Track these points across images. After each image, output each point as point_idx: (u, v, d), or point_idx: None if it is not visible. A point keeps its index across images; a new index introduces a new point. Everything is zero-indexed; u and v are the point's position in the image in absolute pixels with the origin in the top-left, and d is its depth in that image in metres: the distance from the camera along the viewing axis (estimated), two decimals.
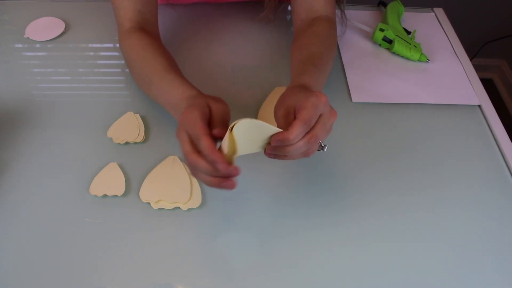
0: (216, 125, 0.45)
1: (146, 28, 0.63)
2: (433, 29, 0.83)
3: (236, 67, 0.73)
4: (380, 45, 0.77)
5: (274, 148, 0.44)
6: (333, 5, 0.68)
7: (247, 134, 0.43)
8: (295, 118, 0.43)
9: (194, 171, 0.44)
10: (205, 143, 0.41)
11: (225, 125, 0.45)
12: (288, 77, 0.50)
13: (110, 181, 0.55)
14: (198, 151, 0.43)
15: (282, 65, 0.73)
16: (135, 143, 0.60)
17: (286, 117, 0.45)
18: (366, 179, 0.58)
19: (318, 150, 0.47)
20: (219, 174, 0.42)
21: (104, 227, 0.52)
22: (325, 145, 0.47)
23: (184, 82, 0.54)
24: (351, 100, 0.68)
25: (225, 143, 0.42)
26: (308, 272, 0.49)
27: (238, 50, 0.76)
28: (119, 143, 0.60)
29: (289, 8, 0.85)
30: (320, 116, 0.43)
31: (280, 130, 0.42)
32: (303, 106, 0.43)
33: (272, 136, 0.43)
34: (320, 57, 0.58)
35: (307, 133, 0.43)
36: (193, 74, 0.70)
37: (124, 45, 0.62)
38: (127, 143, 0.60)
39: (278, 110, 0.47)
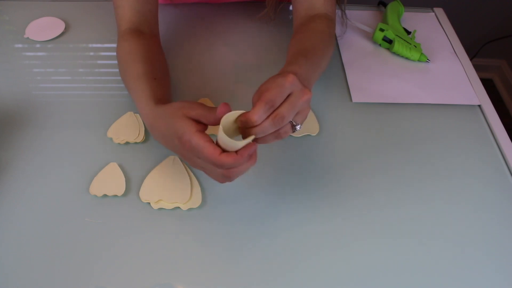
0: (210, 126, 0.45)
1: (144, 29, 0.63)
2: (433, 29, 0.83)
3: (238, 66, 0.73)
4: (380, 45, 0.77)
5: (242, 131, 0.44)
6: (333, 4, 0.68)
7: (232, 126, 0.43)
8: None
9: (231, 173, 0.44)
10: (224, 161, 0.42)
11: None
12: None
13: (110, 181, 0.55)
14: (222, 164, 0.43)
15: (282, 63, 0.73)
16: (135, 143, 0.60)
17: None
18: (366, 178, 0.58)
19: (293, 131, 0.46)
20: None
21: (104, 227, 0.52)
22: (296, 124, 0.46)
23: (146, 94, 0.53)
24: (351, 100, 0.68)
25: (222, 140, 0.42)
26: (308, 270, 0.49)
27: (240, 49, 0.76)
28: (119, 143, 0.60)
29: (290, 8, 0.85)
30: (289, 95, 0.43)
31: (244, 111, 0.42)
32: (268, 87, 0.42)
33: (236, 118, 0.43)
34: (313, 50, 0.57)
35: (272, 113, 0.42)
36: (195, 73, 0.71)
37: (117, 47, 0.62)
38: (127, 143, 0.60)
39: (253, 97, 0.46)
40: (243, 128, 0.43)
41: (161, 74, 0.59)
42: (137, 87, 0.55)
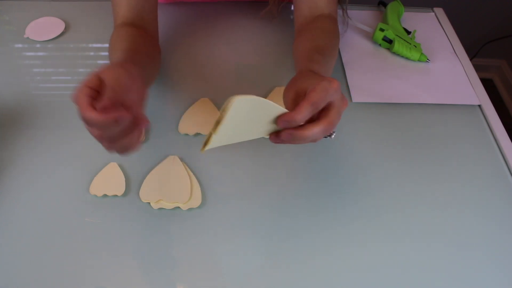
0: (103, 99, 0.39)
1: (138, 24, 0.62)
2: (433, 29, 0.83)
3: (239, 65, 0.73)
4: (380, 45, 0.77)
5: (287, 134, 0.42)
6: (335, 3, 0.68)
7: (249, 116, 0.40)
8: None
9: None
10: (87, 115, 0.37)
11: (114, 100, 0.40)
12: (289, 75, 0.50)
13: (110, 181, 0.56)
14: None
15: (284, 63, 0.73)
16: None
17: (295, 100, 0.44)
18: (366, 179, 0.58)
19: (326, 137, 0.46)
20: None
21: (104, 227, 0.52)
22: (333, 132, 0.46)
23: (119, 55, 0.51)
24: (351, 100, 0.68)
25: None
26: (309, 270, 0.49)
27: (242, 49, 0.76)
28: None
29: (292, 8, 0.85)
30: (332, 102, 0.43)
31: (286, 110, 0.41)
32: (313, 88, 0.42)
33: (277, 117, 0.41)
34: (326, 48, 0.58)
35: (324, 119, 0.42)
36: (197, 72, 0.71)
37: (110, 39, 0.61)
38: None
39: (288, 92, 0.46)
40: (286, 132, 0.42)
41: (144, 56, 0.56)
42: (114, 54, 0.52)
